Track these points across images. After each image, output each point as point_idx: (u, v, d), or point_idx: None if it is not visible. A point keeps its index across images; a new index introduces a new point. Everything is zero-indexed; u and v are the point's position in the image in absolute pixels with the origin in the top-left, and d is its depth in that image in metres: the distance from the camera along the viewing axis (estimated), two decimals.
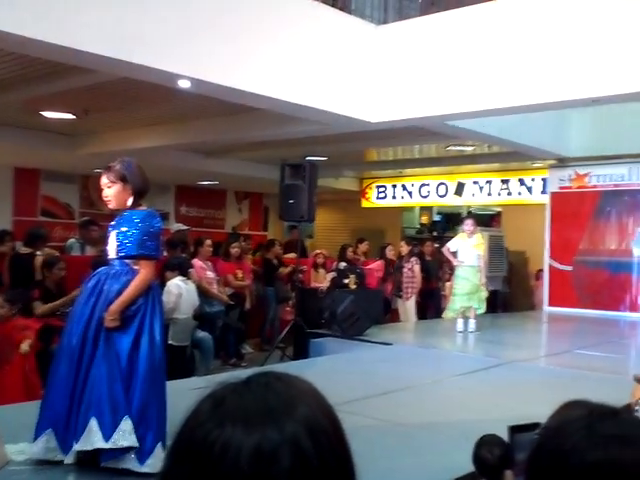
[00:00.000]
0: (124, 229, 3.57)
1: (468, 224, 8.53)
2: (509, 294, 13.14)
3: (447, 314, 8.69)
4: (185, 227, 9.54)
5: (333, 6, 7.49)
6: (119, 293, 3.47)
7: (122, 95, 8.11)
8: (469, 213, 12.11)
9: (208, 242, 8.82)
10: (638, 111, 9.71)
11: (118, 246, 3.57)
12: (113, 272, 3.58)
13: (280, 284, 10.42)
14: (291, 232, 13.29)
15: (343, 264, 10.10)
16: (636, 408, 2.56)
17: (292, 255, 10.84)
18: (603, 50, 6.46)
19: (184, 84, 6.20)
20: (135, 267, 3.56)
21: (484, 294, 8.36)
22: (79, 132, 10.74)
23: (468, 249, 8.32)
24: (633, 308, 10.69)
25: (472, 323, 8.19)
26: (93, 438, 3.19)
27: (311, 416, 0.77)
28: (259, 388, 0.79)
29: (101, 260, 6.38)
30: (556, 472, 0.96)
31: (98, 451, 3.21)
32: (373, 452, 3.49)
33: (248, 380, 0.81)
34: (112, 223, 3.73)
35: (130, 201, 3.63)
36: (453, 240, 8.67)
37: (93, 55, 5.19)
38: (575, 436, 0.96)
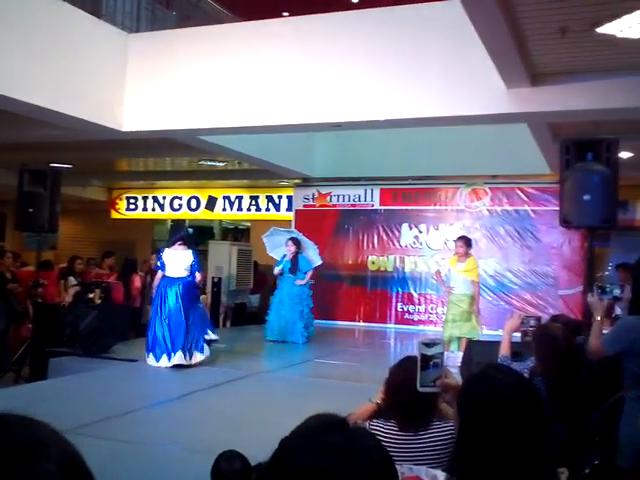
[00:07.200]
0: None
1: (458, 245, 8.33)
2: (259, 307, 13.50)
3: None
4: None
5: (83, 9, 7.17)
6: None
7: None
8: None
9: None
10: (373, 139, 10.73)
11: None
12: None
13: (13, 299, 9.53)
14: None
15: (72, 279, 9.52)
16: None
17: (30, 268, 10.04)
18: (346, 80, 7.03)
19: None
20: None
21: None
22: None
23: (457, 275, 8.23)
24: (367, 318, 11.67)
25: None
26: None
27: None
28: None
29: None
30: None
31: None
32: (114, 477, 3.36)
33: None
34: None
35: None
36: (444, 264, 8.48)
37: None
38: (298, 447, 1.04)
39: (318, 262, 9.89)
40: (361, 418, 2.97)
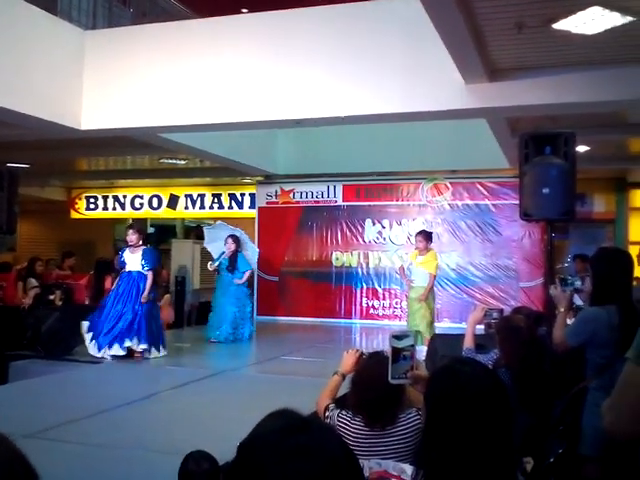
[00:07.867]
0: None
1: (418, 240, 8.39)
2: None
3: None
4: None
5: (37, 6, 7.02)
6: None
7: None
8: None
9: None
10: (335, 135, 10.76)
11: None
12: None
13: None
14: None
15: (32, 280, 9.33)
16: (326, 414, 2.80)
17: None
18: (306, 77, 7.02)
19: None
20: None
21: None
22: None
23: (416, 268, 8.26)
24: (332, 314, 11.70)
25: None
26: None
27: None
28: None
29: None
30: None
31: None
32: None
33: None
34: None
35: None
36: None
37: None
38: (262, 451, 1.02)
39: (255, 259, 9.74)
40: (330, 396, 3.00)
